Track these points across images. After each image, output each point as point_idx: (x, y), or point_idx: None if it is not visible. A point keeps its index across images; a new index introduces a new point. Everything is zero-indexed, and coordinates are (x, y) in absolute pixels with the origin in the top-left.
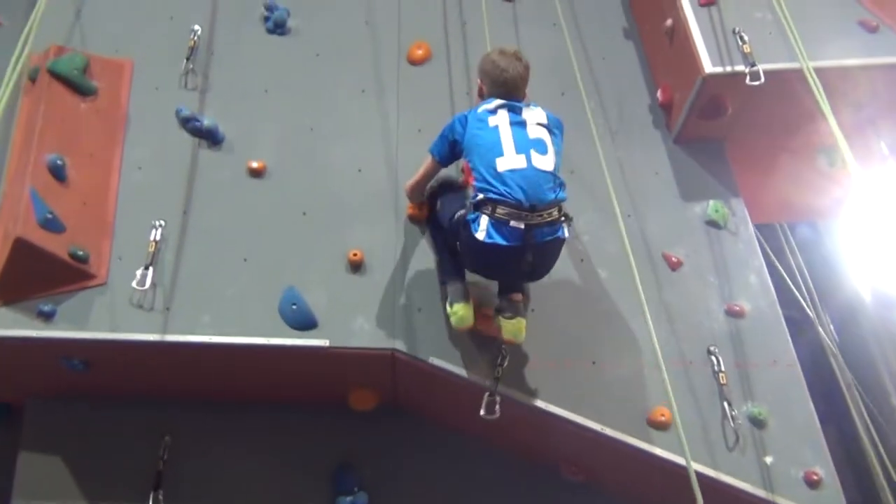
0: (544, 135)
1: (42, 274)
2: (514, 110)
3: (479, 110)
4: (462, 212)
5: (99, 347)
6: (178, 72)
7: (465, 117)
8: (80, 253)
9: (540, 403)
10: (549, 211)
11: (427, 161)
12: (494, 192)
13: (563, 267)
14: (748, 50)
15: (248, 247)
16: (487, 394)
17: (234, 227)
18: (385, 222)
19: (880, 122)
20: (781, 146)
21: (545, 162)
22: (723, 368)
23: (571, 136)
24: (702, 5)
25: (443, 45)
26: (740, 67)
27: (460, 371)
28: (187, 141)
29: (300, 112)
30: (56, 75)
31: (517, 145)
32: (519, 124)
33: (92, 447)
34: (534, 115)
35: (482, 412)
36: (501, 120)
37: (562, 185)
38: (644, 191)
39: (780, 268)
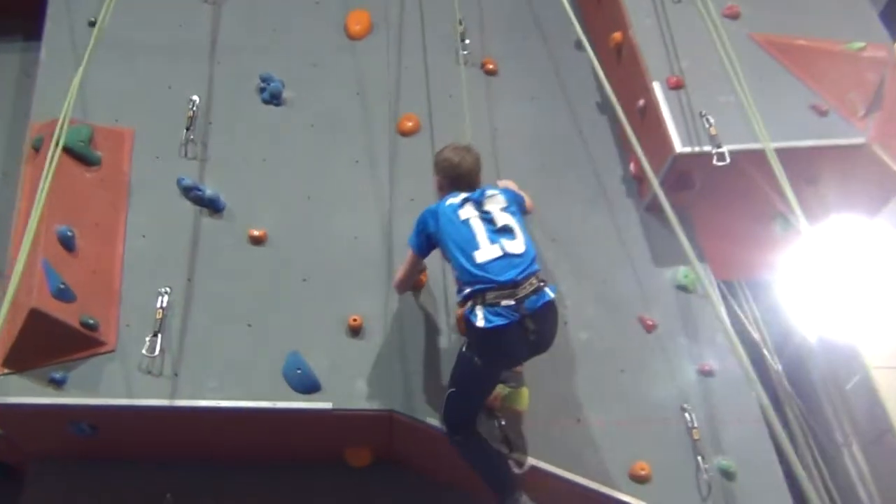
0: (509, 220)
1: (54, 342)
2: (478, 203)
3: (447, 204)
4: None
5: (108, 413)
6: (177, 141)
7: (435, 211)
8: (91, 321)
9: (530, 461)
10: (530, 281)
11: (408, 255)
12: (480, 283)
13: None
14: (714, 132)
15: (251, 313)
16: (509, 452)
17: (237, 294)
18: (382, 288)
19: (827, 194)
20: (742, 213)
21: (516, 246)
22: (695, 425)
23: (552, 206)
24: (671, 88)
25: (430, 117)
26: (707, 148)
27: None
28: (189, 208)
29: (297, 181)
30: (63, 147)
31: (490, 237)
32: (486, 217)
33: None
34: (495, 203)
35: (516, 469)
36: (470, 213)
37: (533, 259)
38: (619, 257)
39: (745, 319)
